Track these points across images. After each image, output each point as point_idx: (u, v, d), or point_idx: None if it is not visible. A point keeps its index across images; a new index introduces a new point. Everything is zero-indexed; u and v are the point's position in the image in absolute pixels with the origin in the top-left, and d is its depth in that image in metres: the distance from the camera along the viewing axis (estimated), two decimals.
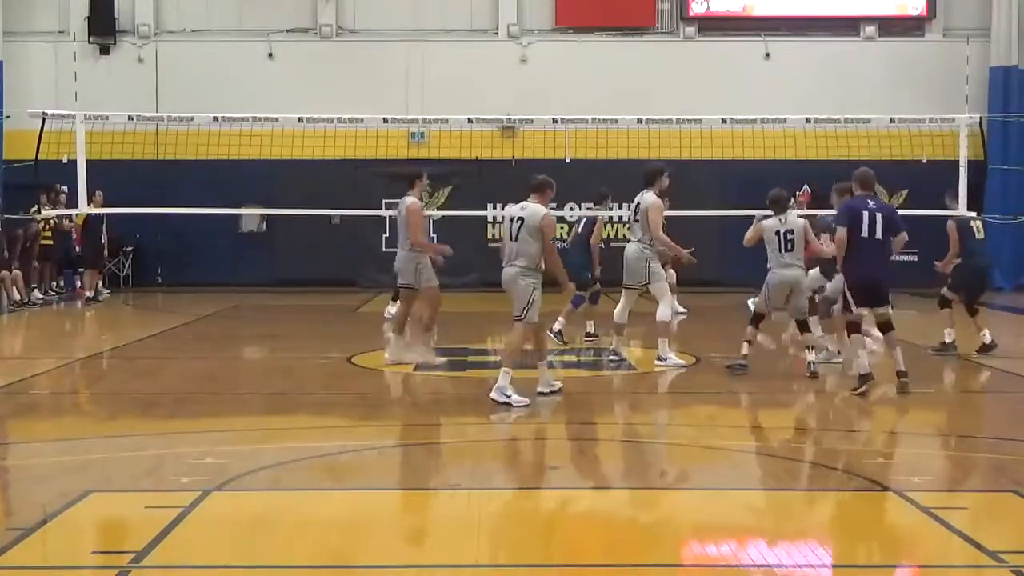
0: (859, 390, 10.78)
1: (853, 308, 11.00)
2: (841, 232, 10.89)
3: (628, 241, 13.30)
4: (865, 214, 10.80)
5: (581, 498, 7.54)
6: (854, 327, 11.05)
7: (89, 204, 17.21)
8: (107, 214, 20.95)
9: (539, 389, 10.60)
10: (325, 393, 11.47)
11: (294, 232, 23.91)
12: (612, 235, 23.43)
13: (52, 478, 7.66)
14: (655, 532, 6.72)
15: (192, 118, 17.57)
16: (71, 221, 20.97)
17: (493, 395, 10.21)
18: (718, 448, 8.91)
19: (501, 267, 10.64)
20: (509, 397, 10.13)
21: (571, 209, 21.56)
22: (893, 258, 11.21)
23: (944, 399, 11.39)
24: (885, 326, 11.17)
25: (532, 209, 10.42)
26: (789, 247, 12.07)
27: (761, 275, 12.50)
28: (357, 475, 8.28)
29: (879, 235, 10.79)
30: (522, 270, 10.36)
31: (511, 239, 10.51)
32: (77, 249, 21.87)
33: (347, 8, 25.37)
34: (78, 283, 21.69)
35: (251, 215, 24.21)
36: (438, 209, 23.99)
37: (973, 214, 14.98)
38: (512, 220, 10.50)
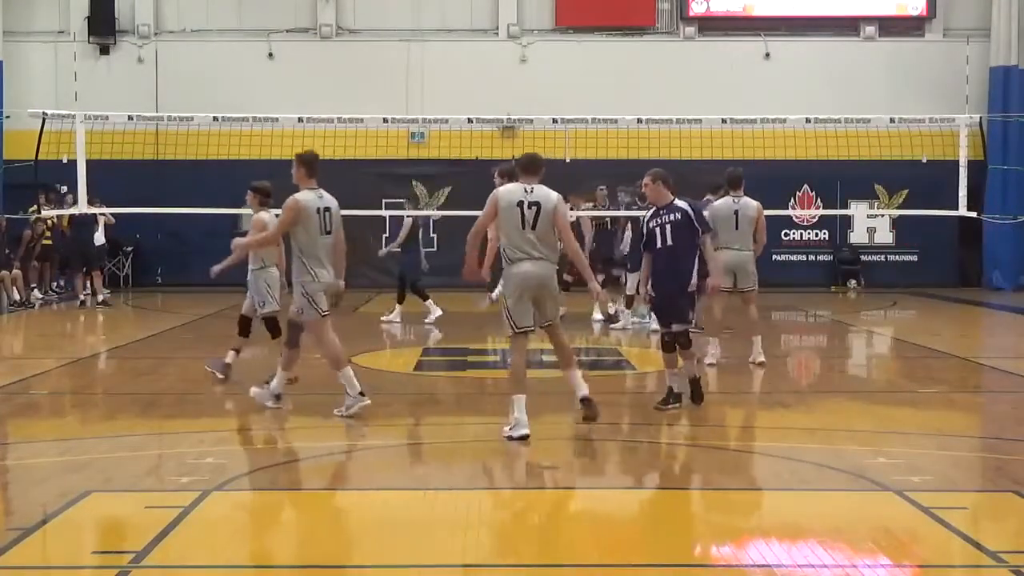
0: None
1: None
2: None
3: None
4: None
5: (581, 498, 7.54)
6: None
7: (89, 205, 17.23)
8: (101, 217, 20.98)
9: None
10: (325, 393, 11.45)
11: None
12: None
13: (52, 478, 7.65)
14: (655, 532, 6.72)
15: (192, 118, 17.61)
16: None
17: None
18: (718, 448, 8.91)
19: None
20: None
21: (571, 208, 21.58)
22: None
23: (944, 399, 11.37)
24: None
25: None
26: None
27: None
28: (357, 475, 8.28)
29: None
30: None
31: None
32: None
33: (347, 8, 25.37)
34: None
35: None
36: (438, 209, 24.02)
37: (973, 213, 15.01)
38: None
